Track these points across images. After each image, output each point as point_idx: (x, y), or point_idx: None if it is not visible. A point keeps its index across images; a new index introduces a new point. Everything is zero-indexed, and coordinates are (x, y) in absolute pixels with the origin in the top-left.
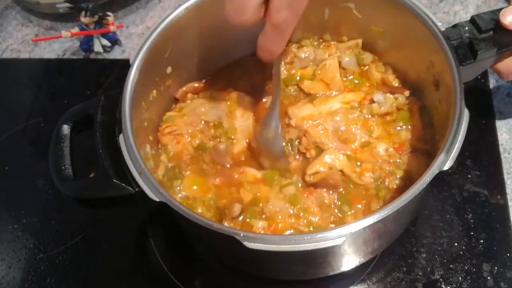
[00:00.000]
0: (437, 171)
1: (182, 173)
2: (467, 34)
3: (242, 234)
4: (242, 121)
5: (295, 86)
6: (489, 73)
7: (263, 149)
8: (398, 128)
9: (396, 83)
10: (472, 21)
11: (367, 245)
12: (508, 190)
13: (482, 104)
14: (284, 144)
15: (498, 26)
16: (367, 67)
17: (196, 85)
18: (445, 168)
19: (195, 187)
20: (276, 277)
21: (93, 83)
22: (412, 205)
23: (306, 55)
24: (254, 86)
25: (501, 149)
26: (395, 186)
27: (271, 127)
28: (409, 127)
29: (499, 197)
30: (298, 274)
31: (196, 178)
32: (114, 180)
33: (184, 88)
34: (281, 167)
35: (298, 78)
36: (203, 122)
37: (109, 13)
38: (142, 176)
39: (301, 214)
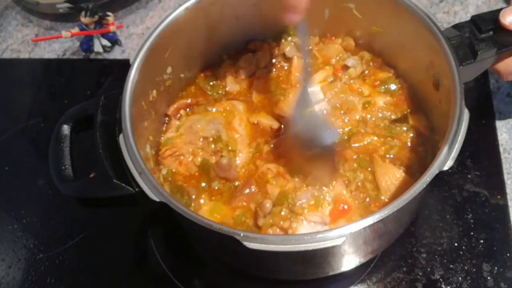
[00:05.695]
0: (437, 171)
1: (192, 198)
2: (467, 34)
3: (242, 234)
4: (240, 130)
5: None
6: (489, 73)
7: (304, 134)
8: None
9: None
10: (472, 21)
11: (367, 245)
12: (508, 190)
13: (482, 104)
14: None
15: (498, 26)
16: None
17: (188, 101)
18: (445, 168)
19: (217, 215)
20: (276, 277)
21: (93, 83)
22: (412, 205)
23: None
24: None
25: (501, 149)
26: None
27: (309, 102)
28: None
29: (499, 197)
30: (298, 274)
31: (215, 205)
32: (114, 180)
33: (175, 105)
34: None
35: None
36: (201, 139)
37: (109, 13)
38: (142, 176)
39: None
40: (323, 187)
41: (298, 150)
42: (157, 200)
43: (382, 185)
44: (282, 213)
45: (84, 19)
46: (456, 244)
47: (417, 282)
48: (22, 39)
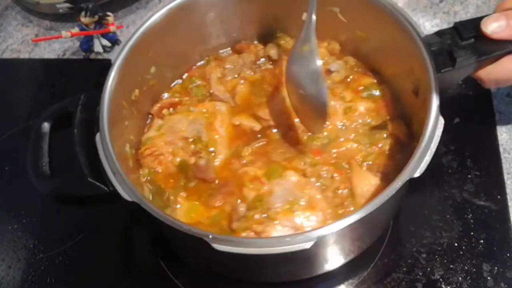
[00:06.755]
0: (407, 178)
1: (171, 199)
2: (448, 41)
3: (210, 236)
4: (221, 131)
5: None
6: None
7: (297, 77)
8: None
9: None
10: (455, 28)
11: (340, 248)
12: (508, 190)
13: (482, 104)
14: (320, 61)
15: (479, 34)
16: None
17: (173, 100)
18: (416, 175)
19: (193, 215)
20: (259, 279)
21: (93, 83)
22: (384, 209)
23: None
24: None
25: (501, 149)
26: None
27: (306, 41)
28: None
29: (499, 197)
30: (276, 276)
31: (191, 205)
32: (89, 179)
33: (159, 104)
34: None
35: None
36: (182, 139)
37: (109, 13)
38: (116, 175)
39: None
40: (297, 192)
41: (291, 87)
42: (130, 200)
43: (358, 192)
44: (257, 216)
45: (84, 19)
46: (456, 244)
47: (417, 282)
48: (22, 39)
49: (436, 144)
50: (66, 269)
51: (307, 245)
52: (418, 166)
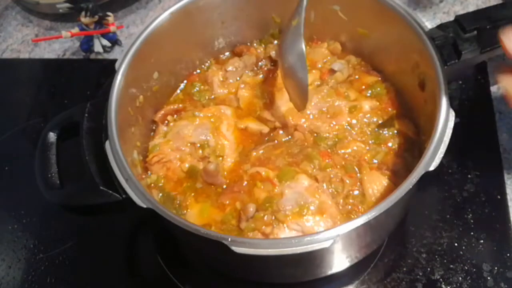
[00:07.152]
0: (423, 172)
1: (183, 204)
2: (451, 34)
3: (229, 239)
4: (228, 135)
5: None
6: (489, 73)
7: (284, 50)
8: (369, 92)
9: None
10: (456, 21)
11: (357, 245)
12: (508, 190)
13: (482, 104)
14: (303, 42)
15: (481, 26)
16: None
17: (175, 107)
18: (431, 168)
19: (205, 216)
20: (267, 281)
21: (93, 83)
22: (399, 205)
23: (273, 53)
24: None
25: (501, 149)
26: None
27: (296, 16)
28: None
29: (499, 197)
30: (293, 277)
31: (203, 206)
32: (101, 187)
33: (162, 111)
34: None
35: None
36: (189, 145)
37: (109, 13)
38: (128, 182)
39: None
40: (308, 196)
41: (280, 62)
42: (144, 206)
43: (369, 193)
44: (265, 218)
45: (84, 19)
46: (456, 244)
47: (417, 282)
48: (22, 39)
49: (449, 136)
50: (66, 269)
51: (327, 243)
52: (433, 159)
